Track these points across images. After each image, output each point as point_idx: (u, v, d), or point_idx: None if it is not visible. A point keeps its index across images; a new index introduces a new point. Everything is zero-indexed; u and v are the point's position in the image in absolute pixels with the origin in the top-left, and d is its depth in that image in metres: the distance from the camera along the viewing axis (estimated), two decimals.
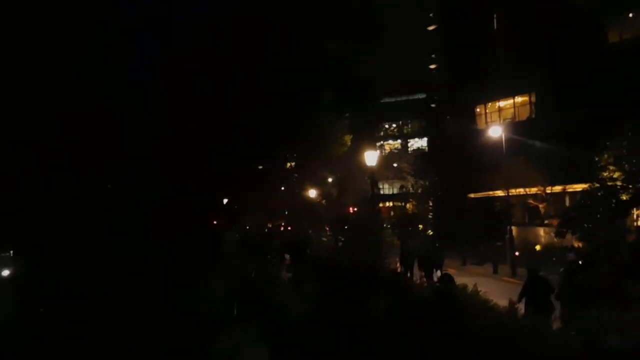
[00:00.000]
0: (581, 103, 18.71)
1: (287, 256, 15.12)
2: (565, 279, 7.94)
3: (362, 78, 29.90)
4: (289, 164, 34.63)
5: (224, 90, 22.45)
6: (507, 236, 17.48)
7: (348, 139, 30.27)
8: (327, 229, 27.81)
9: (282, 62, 24.61)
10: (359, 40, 27.64)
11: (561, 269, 8.68)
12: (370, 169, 11.81)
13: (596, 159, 16.01)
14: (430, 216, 29.45)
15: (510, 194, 20.30)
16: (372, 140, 30.87)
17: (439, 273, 15.34)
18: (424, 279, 14.81)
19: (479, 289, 8.32)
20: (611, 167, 15.63)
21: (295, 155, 31.87)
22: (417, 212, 31.41)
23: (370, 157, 11.11)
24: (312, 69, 25.75)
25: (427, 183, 30.06)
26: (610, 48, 20.67)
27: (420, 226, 30.31)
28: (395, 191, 37.18)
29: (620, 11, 21.19)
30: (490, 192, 24.24)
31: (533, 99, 24.81)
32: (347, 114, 29.63)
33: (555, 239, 17.19)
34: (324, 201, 30.16)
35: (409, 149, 37.30)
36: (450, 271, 17.73)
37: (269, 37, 24.51)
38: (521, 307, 7.33)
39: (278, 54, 24.90)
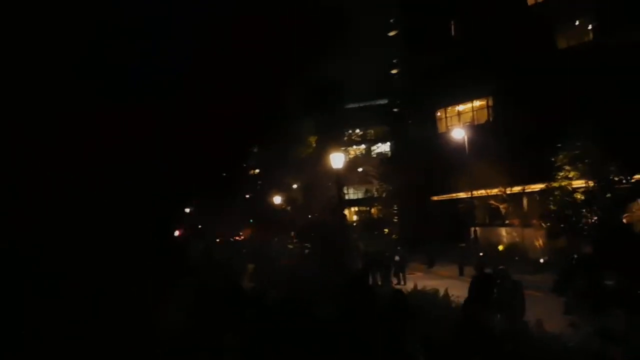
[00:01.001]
0: (535, 106, 19.37)
1: (251, 266, 14.70)
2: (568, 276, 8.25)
3: (325, 82, 29.87)
4: (252, 171, 34.10)
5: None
6: (472, 237, 17.75)
7: (313, 140, 30.10)
8: (293, 235, 27.49)
9: (247, 65, 24.22)
10: (321, 41, 27.62)
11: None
12: (336, 171, 11.60)
13: (552, 159, 16.58)
14: (395, 220, 29.67)
15: (472, 195, 20.74)
16: (337, 144, 30.86)
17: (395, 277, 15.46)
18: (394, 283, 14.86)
19: (449, 293, 8.27)
20: (567, 167, 16.22)
21: (258, 160, 31.40)
22: (382, 216, 31.62)
23: (336, 160, 10.93)
24: (274, 72, 25.46)
25: (391, 187, 30.33)
26: (560, 54, 21.57)
27: (386, 230, 30.51)
28: (360, 196, 37.32)
29: (568, 19, 22.20)
30: (453, 195, 24.69)
31: (490, 102, 25.53)
32: (311, 116, 29.42)
33: (517, 239, 17.66)
34: (289, 207, 29.82)
35: (373, 154, 37.60)
36: (417, 274, 18.04)
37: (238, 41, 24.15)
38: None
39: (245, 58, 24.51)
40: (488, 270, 8.28)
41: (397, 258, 15.64)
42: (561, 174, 16.26)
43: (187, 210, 31.64)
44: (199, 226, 33.47)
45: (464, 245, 22.02)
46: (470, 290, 7.94)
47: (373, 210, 34.17)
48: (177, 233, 32.09)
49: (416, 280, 13.87)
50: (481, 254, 18.25)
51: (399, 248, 20.46)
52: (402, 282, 15.47)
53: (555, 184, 16.28)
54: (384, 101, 36.30)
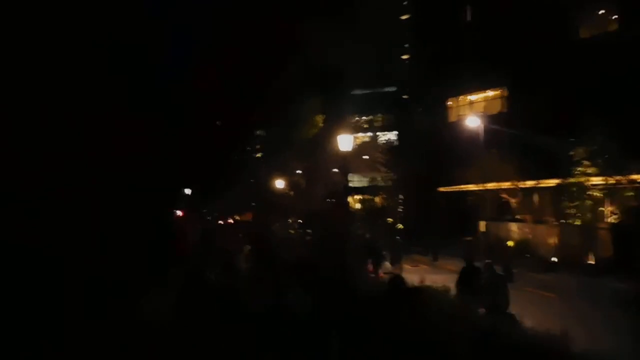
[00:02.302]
0: (553, 98, 18.45)
1: (247, 248, 14.09)
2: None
3: (333, 66, 28.93)
4: (258, 154, 33.43)
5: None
6: (481, 231, 17.01)
7: (320, 119, 29.20)
8: (292, 221, 26.87)
9: (253, 47, 23.44)
10: (329, 22, 26.65)
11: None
12: (343, 155, 10.82)
13: (570, 153, 15.73)
14: (400, 210, 28.96)
15: (483, 187, 19.96)
16: (343, 129, 30.05)
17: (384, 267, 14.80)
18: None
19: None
20: (586, 162, 15.38)
21: (263, 141, 30.63)
22: (387, 205, 30.91)
23: (344, 142, 10.16)
24: (282, 53, 24.60)
25: (396, 176, 29.57)
26: (581, 43, 20.54)
27: (390, 220, 29.83)
28: (365, 184, 36.57)
29: (591, 8, 21.13)
30: (460, 186, 23.92)
31: (505, 93, 24.56)
32: (315, 97, 28.48)
33: (529, 235, 16.90)
34: (291, 192, 29.13)
35: (379, 143, 36.72)
36: (422, 267, 17.38)
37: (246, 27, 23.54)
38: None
39: (251, 41, 23.80)
40: (476, 264, 8.45)
41: (384, 253, 14.97)
42: (579, 169, 15.41)
43: (188, 191, 31.06)
44: (204, 210, 32.95)
45: (470, 238, 21.33)
46: (457, 281, 8.18)
47: (377, 199, 33.44)
48: (180, 213, 31.74)
49: (421, 274, 13.20)
50: (488, 249, 17.61)
51: (397, 237, 19.88)
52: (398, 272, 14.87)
53: (573, 180, 15.45)
54: (392, 88, 35.33)
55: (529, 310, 8.01)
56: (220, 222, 28.26)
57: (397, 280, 5.66)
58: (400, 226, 28.86)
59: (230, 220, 30.31)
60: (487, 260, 8.58)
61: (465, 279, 8.11)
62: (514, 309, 8.75)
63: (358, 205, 37.61)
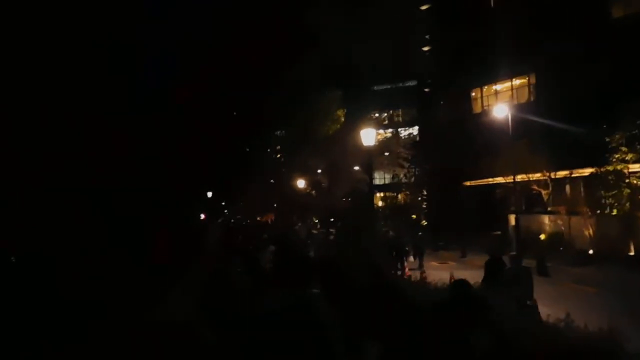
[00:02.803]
0: (586, 82, 17.51)
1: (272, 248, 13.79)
2: None
3: (353, 61, 28.43)
4: (278, 155, 33.23)
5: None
6: (512, 225, 16.26)
7: (341, 113, 28.67)
8: (315, 221, 26.52)
9: (271, 43, 23.22)
10: (345, 15, 26.17)
11: None
12: (367, 150, 10.37)
13: (607, 139, 14.87)
14: (424, 206, 28.27)
15: (510, 180, 19.15)
16: (364, 124, 29.56)
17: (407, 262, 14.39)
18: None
19: None
20: (623, 149, 14.50)
21: (283, 141, 30.33)
22: (410, 202, 30.24)
23: (367, 136, 9.71)
24: (301, 49, 24.26)
25: (418, 172, 28.90)
26: (614, 23, 19.47)
27: (414, 216, 29.16)
28: (387, 181, 35.95)
29: None
30: (488, 179, 23.09)
31: (532, 80, 23.61)
32: (334, 92, 27.98)
33: (563, 227, 16.08)
34: (313, 192, 28.77)
35: (401, 138, 36.05)
36: (450, 264, 16.77)
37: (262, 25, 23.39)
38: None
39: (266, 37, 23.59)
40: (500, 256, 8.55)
41: (407, 248, 14.67)
42: (616, 156, 14.53)
43: (210, 194, 31.17)
44: (225, 211, 32.97)
45: (499, 233, 20.55)
46: (485, 272, 8.23)
47: (400, 195, 32.79)
48: (202, 216, 31.92)
49: (449, 271, 12.69)
50: (519, 243, 16.85)
51: (420, 234, 19.36)
52: (421, 268, 14.60)
53: (610, 168, 14.57)
54: (412, 82, 34.55)
55: (571, 307, 7.35)
56: (244, 222, 28.15)
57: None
58: (424, 223, 28.20)
59: (254, 220, 30.20)
60: (512, 253, 8.70)
61: (491, 273, 8.13)
62: (555, 306, 8.18)
63: (380, 203, 37.03)
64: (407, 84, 35.28)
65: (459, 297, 4.66)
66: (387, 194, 36.10)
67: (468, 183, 24.90)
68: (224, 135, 25.37)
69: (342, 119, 27.84)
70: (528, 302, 7.24)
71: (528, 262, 14.13)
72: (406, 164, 28.23)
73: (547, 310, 6.47)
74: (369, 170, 11.51)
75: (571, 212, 15.90)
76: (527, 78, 24.02)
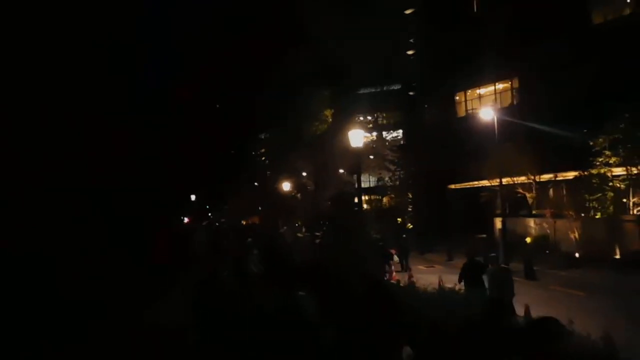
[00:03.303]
0: (569, 86, 17.71)
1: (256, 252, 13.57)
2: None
3: (337, 63, 28.30)
4: (263, 158, 32.89)
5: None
6: (499, 228, 16.27)
7: (329, 113, 28.46)
8: (300, 224, 26.24)
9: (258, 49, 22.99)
10: (330, 17, 26.05)
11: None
12: (355, 151, 10.20)
13: (591, 143, 15.01)
14: (409, 209, 28.26)
15: (499, 183, 19.24)
16: (351, 126, 29.40)
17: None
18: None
19: None
20: (607, 152, 14.65)
21: (269, 144, 29.99)
22: (395, 205, 30.20)
23: (355, 137, 9.56)
24: (289, 49, 24.02)
25: (403, 175, 28.90)
26: (596, 27, 19.79)
27: (399, 219, 29.12)
28: (372, 184, 35.87)
29: None
30: (473, 183, 23.20)
31: (516, 84, 23.85)
32: (325, 88, 27.74)
33: (548, 230, 16.15)
34: (298, 195, 28.50)
35: (387, 141, 36.04)
36: (437, 267, 16.70)
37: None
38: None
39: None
40: (478, 258, 8.84)
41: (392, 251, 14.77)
42: (600, 159, 14.67)
43: (193, 197, 30.62)
44: (209, 214, 32.46)
45: (484, 236, 20.61)
46: (460, 275, 8.48)
47: (385, 199, 32.75)
48: (186, 220, 31.34)
49: (437, 274, 12.61)
50: (505, 246, 16.88)
51: (404, 236, 19.33)
52: (407, 270, 14.89)
53: (594, 171, 14.70)
54: (397, 86, 34.60)
55: (560, 311, 7.29)
56: (229, 226, 27.68)
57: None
58: (410, 226, 28.17)
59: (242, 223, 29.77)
60: (491, 254, 8.83)
61: (468, 274, 8.39)
62: (544, 310, 8.12)
63: (365, 206, 36.93)
64: (392, 88, 35.31)
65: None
66: (372, 197, 36.06)
67: (453, 186, 24.98)
68: (209, 138, 25.02)
69: (330, 119, 27.66)
70: (511, 302, 7.53)
71: (515, 266, 14.19)
72: (392, 167, 28.19)
73: (540, 314, 6.37)
74: (357, 171, 11.31)
75: (556, 215, 15.99)
76: (510, 82, 24.26)
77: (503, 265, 8.86)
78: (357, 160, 10.95)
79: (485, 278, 8.13)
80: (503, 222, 15.85)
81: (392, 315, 4.50)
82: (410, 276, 13.00)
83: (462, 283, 8.30)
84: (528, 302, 8.30)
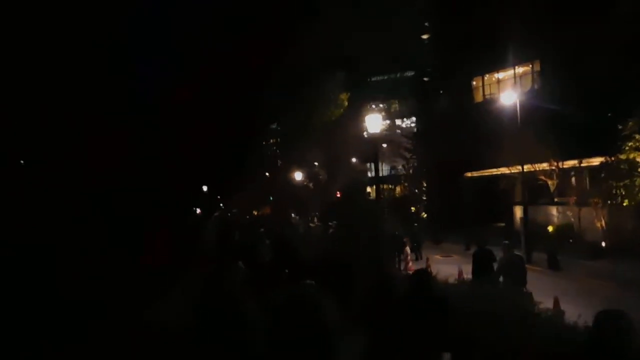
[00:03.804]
0: (594, 69, 16.80)
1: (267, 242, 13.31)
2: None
3: (350, 49, 27.60)
4: (274, 147, 32.49)
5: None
6: (518, 217, 15.60)
7: (345, 97, 27.76)
8: (313, 214, 25.82)
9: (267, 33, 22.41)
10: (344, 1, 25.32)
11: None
12: (372, 138, 9.66)
13: (619, 127, 14.20)
14: (424, 198, 27.63)
15: (515, 171, 18.51)
16: (362, 116, 28.75)
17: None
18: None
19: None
20: (637, 136, 13.84)
21: (279, 133, 29.51)
22: (409, 194, 29.58)
23: (372, 123, 9.00)
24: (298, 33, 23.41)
25: (416, 163, 28.24)
26: (623, 9, 18.73)
27: (413, 209, 28.52)
28: (385, 173, 35.26)
29: None
30: (490, 170, 22.46)
31: (537, 67, 22.89)
32: (339, 71, 26.99)
33: (572, 219, 15.42)
34: (311, 184, 28.03)
35: (397, 130, 35.31)
36: (455, 257, 16.12)
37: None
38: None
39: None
40: (487, 247, 8.89)
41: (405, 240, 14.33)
42: (629, 144, 13.87)
43: (205, 188, 30.48)
44: (221, 205, 32.29)
45: (503, 225, 19.94)
46: (473, 263, 8.60)
47: (398, 188, 32.13)
48: (198, 211, 31.20)
49: (455, 264, 12.11)
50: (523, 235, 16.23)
51: (415, 224, 18.85)
52: (420, 258, 14.95)
53: (622, 156, 13.91)
54: (410, 72, 33.73)
55: (592, 303, 6.72)
56: (240, 216, 27.42)
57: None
58: (424, 215, 27.58)
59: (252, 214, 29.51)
60: (505, 242, 8.73)
61: (479, 263, 8.46)
62: (574, 302, 7.59)
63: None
64: (405, 74, 34.45)
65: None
66: (385, 186, 35.45)
67: (469, 174, 24.26)
68: (218, 130, 24.70)
69: (346, 103, 26.99)
70: (524, 290, 7.45)
71: (537, 256, 13.56)
72: (407, 155, 27.52)
73: (572, 309, 5.78)
74: (374, 160, 10.80)
75: (581, 203, 15.25)
76: (531, 66, 23.31)
77: (516, 253, 8.82)
78: (374, 148, 10.41)
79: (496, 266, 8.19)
80: (525, 210, 15.15)
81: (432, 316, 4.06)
82: (428, 266, 12.48)
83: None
84: (555, 294, 7.75)
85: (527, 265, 13.44)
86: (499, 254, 8.45)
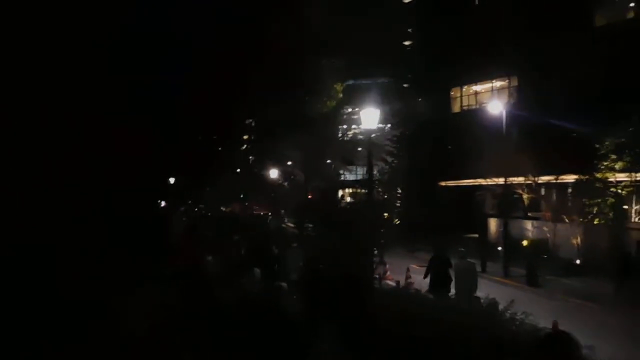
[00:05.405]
0: (573, 86, 17.16)
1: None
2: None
3: (331, 53, 27.19)
4: (245, 146, 31.67)
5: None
6: (493, 229, 15.66)
7: (339, 88, 27.01)
8: (285, 214, 25.31)
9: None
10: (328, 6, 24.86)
11: None
12: (368, 134, 9.20)
13: (596, 146, 14.47)
14: (398, 204, 27.60)
15: (489, 182, 18.68)
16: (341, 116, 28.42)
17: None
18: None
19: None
20: (612, 156, 14.14)
21: (255, 129, 28.70)
22: (383, 199, 29.49)
23: (369, 117, 8.55)
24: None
25: (393, 168, 28.20)
26: (599, 31, 19.30)
27: (386, 215, 28.44)
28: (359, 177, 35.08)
29: None
30: (465, 181, 22.65)
31: (514, 82, 23.27)
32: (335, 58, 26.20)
33: (548, 234, 15.62)
34: (286, 183, 27.44)
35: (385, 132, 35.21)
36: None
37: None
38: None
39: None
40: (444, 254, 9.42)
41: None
42: (605, 163, 14.16)
43: (172, 180, 29.40)
44: (189, 201, 31.25)
45: (476, 236, 20.08)
46: (428, 267, 9.24)
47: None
48: (163, 204, 29.97)
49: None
50: (499, 248, 16.35)
51: (381, 230, 18.56)
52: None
53: (599, 175, 14.18)
54: (389, 79, 33.74)
55: (580, 327, 6.52)
56: (208, 213, 26.47)
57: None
58: (397, 221, 27.52)
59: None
60: (460, 249, 9.31)
61: (434, 269, 9.00)
62: (563, 326, 7.42)
63: (349, 199, 36.20)
64: (383, 80, 34.42)
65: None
66: (357, 189, 35.29)
67: (444, 183, 24.41)
68: (193, 121, 23.81)
69: (340, 95, 26.34)
70: (475, 294, 8.03)
71: (515, 270, 13.58)
72: (389, 159, 27.42)
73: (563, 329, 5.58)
74: (369, 158, 10.39)
75: (556, 219, 15.47)
76: (508, 80, 23.69)
77: (468, 260, 9.28)
78: (369, 146, 9.97)
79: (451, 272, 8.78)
80: (505, 224, 15.21)
81: None
82: (408, 277, 12.25)
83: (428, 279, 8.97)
84: (537, 313, 7.48)
85: (505, 280, 13.60)
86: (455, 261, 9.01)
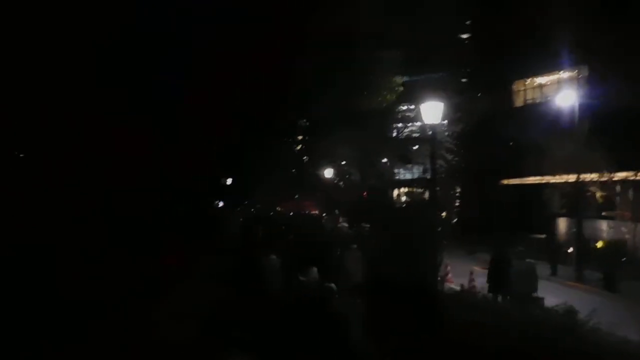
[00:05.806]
0: None
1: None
2: None
3: (386, 49, 26.77)
4: (300, 145, 31.96)
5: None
6: (561, 229, 14.68)
7: (399, 81, 26.48)
8: (341, 213, 25.23)
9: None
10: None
11: None
12: (431, 129, 8.80)
13: None
14: (456, 204, 26.75)
15: (556, 180, 17.56)
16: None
17: None
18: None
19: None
20: None
21: (308, 127, 28.79)
22: (439, 198, 28.65)
23: (431, 112, 8.14)
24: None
25: (450, 167, 27.30)
26: None
27: (443, 214, 27.64)
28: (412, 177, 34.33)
29: None
30: (529, 179, 21.48)
31: (583, 73, 21.72)
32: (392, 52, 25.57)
33: (626, 235, 14.42)
34: (341, 183, 27.37)
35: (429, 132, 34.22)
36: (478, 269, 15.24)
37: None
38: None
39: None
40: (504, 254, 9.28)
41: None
42: None
43: (229, 182, 30.26)
44: (245, 200, 32.10)
45: (543, 237, 18.97)
46: (489, 268, 9.29)
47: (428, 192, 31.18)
48: (220, 204, 30.96)
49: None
50: (570, 249, 15.31)
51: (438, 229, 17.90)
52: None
53: None
54: (445, 73, 32.70)
55: None
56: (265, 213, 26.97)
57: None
58: (455, 221, 26.71)
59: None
60: (520, 249, 9.38)
61: (495, 270, 8.94)
62: None
63: (404, 198, 35.53)
64: (439, 75, 33.41)
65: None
66: (413, 189, 34.55)
67: (508, 181, 23.31)
68: (243, 123, 24.21)
69: (402, 88, 25.84)
70: (533, 295, 8.13)
71: (589, 274, 12.62)
72: (449, 156, 26.64)
73: None
74: (432, 157, 9.94)
75: (637, 219, 14.21)
76: (577, 71, 22.14)
77: (528, 260, 9.12)
78: (433, 142, 9.48)
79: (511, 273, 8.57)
80: (579, 224, 14.20)
81: None
82: (471, 280, 11.74)
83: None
84: (621, 322, 6.82)
85: (578, 284, 12.67)
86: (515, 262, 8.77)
